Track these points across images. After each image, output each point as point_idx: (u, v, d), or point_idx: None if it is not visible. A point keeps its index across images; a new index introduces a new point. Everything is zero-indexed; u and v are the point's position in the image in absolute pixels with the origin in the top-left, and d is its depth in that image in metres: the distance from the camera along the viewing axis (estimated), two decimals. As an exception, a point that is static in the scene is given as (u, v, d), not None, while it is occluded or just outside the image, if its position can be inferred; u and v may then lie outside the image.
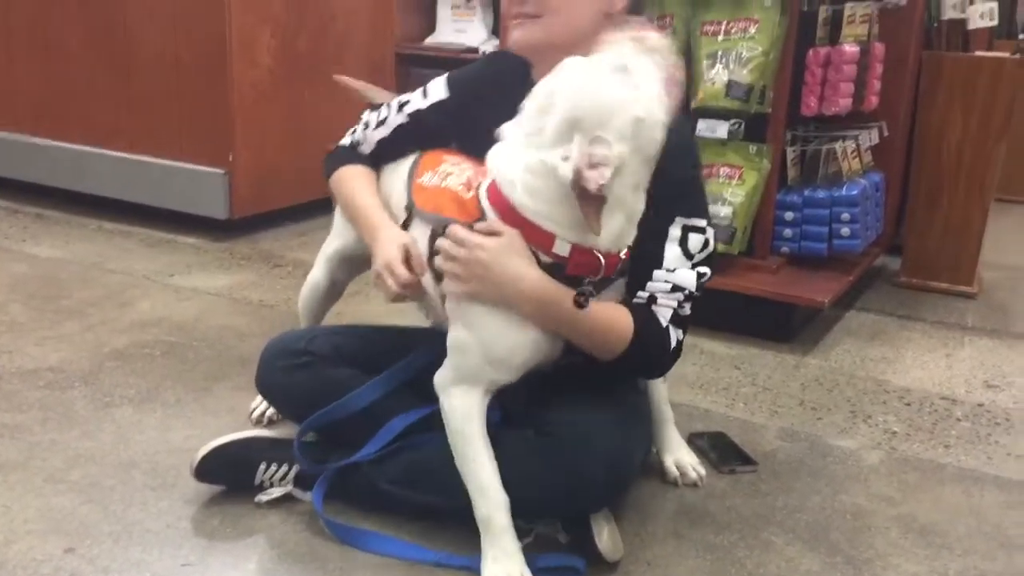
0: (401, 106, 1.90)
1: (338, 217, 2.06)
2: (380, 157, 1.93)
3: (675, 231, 1.65)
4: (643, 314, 1.63)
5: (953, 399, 2.48)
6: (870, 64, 2.97)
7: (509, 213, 1.55)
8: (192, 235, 3.60)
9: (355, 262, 2.07)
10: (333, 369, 1.85)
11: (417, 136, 1.88)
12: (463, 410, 1.61)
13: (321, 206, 3.98)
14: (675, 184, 1.63)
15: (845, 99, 2.83)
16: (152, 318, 2.76)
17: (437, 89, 1.88)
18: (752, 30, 2.65)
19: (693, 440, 2.12)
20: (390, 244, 1.71)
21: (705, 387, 2.45)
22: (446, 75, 1.89)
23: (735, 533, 1.79)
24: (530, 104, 1.55)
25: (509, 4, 1.74)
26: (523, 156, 1.54)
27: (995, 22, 3.13)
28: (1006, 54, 3.22)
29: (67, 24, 3.70)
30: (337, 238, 2.07)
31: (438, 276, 1.64)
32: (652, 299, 1.64)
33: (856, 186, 2.93)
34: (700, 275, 1.66)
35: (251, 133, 3.55)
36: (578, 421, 1.65)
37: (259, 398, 2.17)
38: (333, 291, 2.13)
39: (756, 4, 2.65)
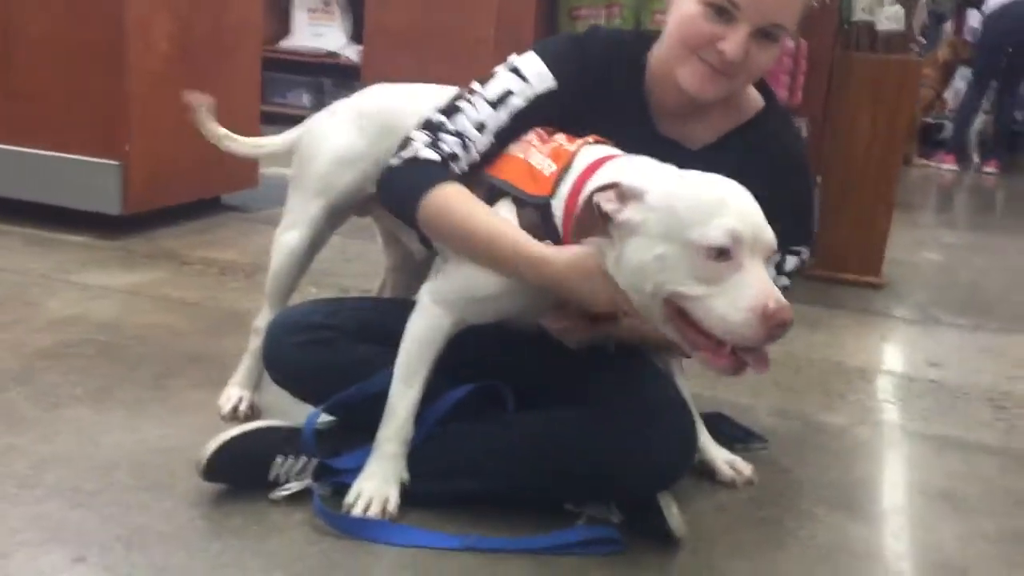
0: (496, 102, 1.57)
1: (318, 170, 1.86)
2: (480, 166, 1.59)
3: (776, 255, 1.57)
4: None
5: (908, 377, 2.57)
6: (797, 59, 3.06)
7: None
8: (79, 233, 3.26)
9: (340, 215, 1.91)
10: (357, 345, 1.69)
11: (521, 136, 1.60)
12: (429, 335, 1.57)
13: (213, 205, 3.76)
14: (793, 204, 1.58)
15: (783, 90, 2.90)
16: (67, 316, 2.47)
17: (539, 73, 1.58)
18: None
19: (696, 420, 2.08)
20: (591, 276, 1.40)
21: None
22: (536, 54, 1.60)
23: (776, 506, 1.76)
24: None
25: (705, 48, 1.50)
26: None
27: (901, 26, 3.29)
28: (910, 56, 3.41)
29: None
30: (320, 195, 1.86)
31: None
32: None
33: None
34: (784, 288, 1.61)
35: (148, 122, 3.27)
36: (649, 397, 1.58)
37: (227, 392, 1.98)
38: (312, 254, 1.93)
39: (707, -7, 2.68)
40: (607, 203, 1.34)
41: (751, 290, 1.26)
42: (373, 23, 6.21)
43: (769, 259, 1.34)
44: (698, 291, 1.29)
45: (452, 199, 1.51)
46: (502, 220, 1.50)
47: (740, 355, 1.31)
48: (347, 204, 1.89)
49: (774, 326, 1.25)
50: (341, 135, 1.86)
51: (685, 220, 1.29)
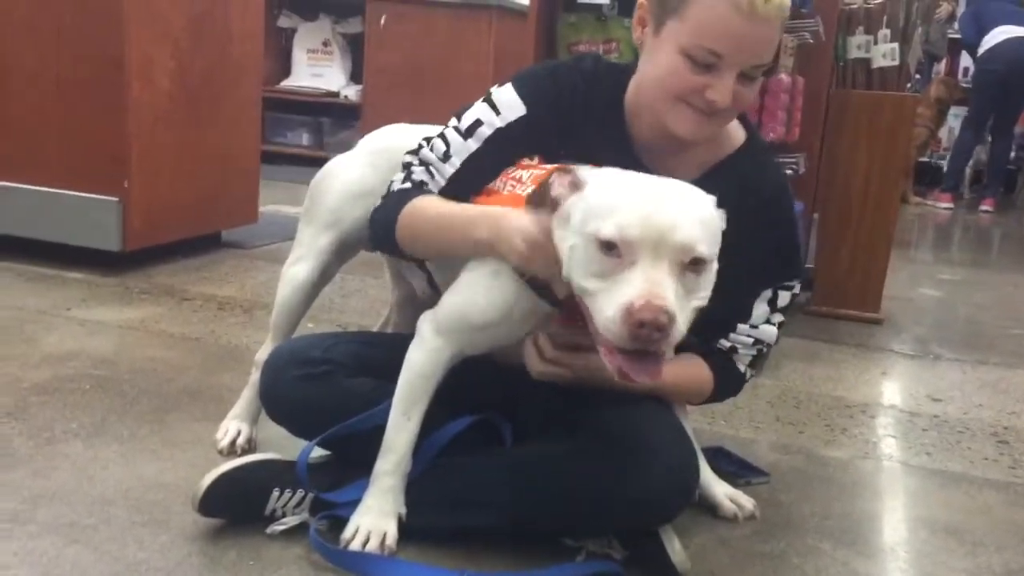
0: (467, 131, 1.62)
1: (329, 204, 1.89)
2: (452, 195, 1.62)
3: (768, 292, 1.64)
4: (723, 362, 1.66)
5: (910, 412, 2.55)
6: (794, 96, 3.07)
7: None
8: (76, 270, 3.26)
9: (349, 249, 1.93)
10: (354, 379, 1.67)
11: (494, 163, 1.62)
12: (428, 367, 1.56)
13: (213, 241, 3.75)
14: (781, 238, 1.63)
15: (780, 127, 2.91)
16: (66, 352, 2.45)
17: (509, 102, 1.62)
18: (701, 55, 2.69)
19: (697, 455, 2.06)
20: (518, 219, 1.43)
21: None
22: (512, 84, 1.64)
23: (781, 541, 1.74)
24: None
25: (691, 94, 1.50)
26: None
27: (896, 62, 3.31)
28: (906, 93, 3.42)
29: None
30: (330, 228, 1.88)
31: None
32: (733, 349, 1.65)
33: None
34: (779, 324, 1.67)
35: (148, 159, 3.28)
36: (649, 430, 1.56)
37: (225, 425, 1.97)
38: (319, 287, 1.94)
39: (704, 30, 2.69)
40: (558, 187, 1.36)
41: (629, 287, 1.22)
42: (372, 63, 6.29)
43: (683, 264, 1.25)
44: (592, 285, 1.27)
45: (422, 205, 1.59)
46: (457, 203, 1.56)
47: (626, 358, 1.26)
48: (356, 238, 1.90)
49: (635, 324, 1.20)
50: (353, 170, 1.89)
51: (592, 212, 1.29)
